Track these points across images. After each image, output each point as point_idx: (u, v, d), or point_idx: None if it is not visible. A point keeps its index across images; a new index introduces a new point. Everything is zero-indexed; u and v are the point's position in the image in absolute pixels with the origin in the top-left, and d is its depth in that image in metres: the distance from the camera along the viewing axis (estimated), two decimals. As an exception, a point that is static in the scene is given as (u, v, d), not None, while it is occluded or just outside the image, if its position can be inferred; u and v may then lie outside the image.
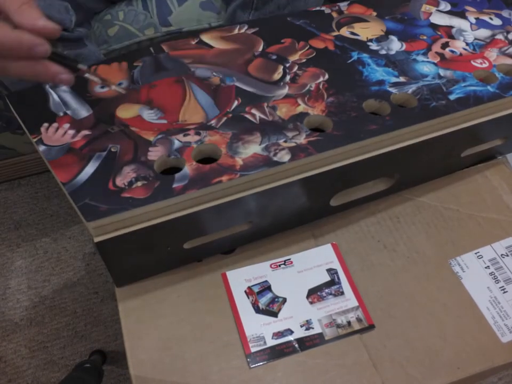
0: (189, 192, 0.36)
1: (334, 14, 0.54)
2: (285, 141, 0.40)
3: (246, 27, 0.51)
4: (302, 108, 0.43)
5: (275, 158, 0.38)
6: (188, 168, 0.37)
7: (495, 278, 0.46)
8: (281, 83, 0.45)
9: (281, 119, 0.42)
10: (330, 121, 0.41)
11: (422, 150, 0.45)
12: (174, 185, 0.36)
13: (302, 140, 0.40)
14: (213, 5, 0.67)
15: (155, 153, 0.38)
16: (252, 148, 0.39)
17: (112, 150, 0.39)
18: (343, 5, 0.55)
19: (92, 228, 0.35)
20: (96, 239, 0.36)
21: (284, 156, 0.38)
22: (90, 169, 0.37)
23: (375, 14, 0.54)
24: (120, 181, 0.36)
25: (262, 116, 0.42)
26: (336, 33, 0.51)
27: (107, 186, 0.36)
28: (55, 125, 0.40)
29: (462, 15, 0.55)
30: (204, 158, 0.40)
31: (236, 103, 0.43)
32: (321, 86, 0.45)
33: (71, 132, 0.40)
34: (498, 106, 0.45)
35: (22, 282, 0.94)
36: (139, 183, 0.36)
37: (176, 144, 0.39)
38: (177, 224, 0.38)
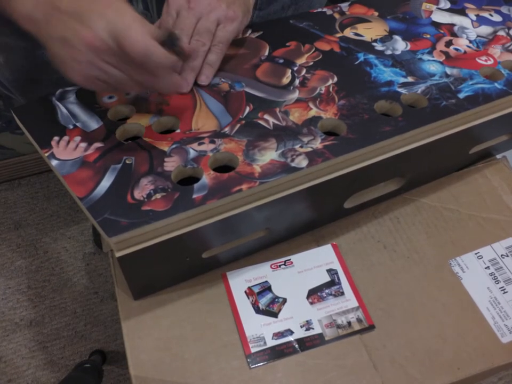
0: (210, 202, 0.36)
1: (336, 15, 0.54)
2: (301, 146, 0.39)
3: (249, 31, 0.51)
4: (314, 111, 0.43)
5: (293, 164, 0.38)
6: (206, 178, 0.37)
7: (495, 279, 0.46)
8: (291, 87, 0.45)
9: (295, 124, 0.41)
10: (344, 125, 0.41)
11: (433, 149, 0.45)
12: (194, 196, 0.36)
13: (317, 144, 0.40)
14: (214, 4, 0.66)
15: (171, 164, 0.38)
16: (269, 155, 0.39)
17: (127, 162, 0.38)
18: (344, 6, 0.55)
19: (114, 243, 0.34)
20: (118, 254, 0.35)
21: (302, 162, 0.38)
22: (106, 182, 0.37)
23: (376, 14, 0.54)
24: (139, 193, 0.36)
25: (275, 122, 0.42)
26: (340, 34, 0.51)
27: (125, 200, 0.35)
28: (65, 138, 0.40)
29: (462, 12, 0.55)
30: (219, 166, 0.40)
31: (247, 109, 0.43)
32: (331, 89, 0.45)
33: (83, 144, 0.39)
34: (506, 103, 0.45)
35: (22, 282, 0.94)
36: (158, 195, 0.36)
37: (192, 153, 0.39)
38: (198, 234, 0.38)
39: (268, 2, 0.59)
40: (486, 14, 0.55)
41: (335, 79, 0.46)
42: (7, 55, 0.49)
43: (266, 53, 0.49)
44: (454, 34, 0.52)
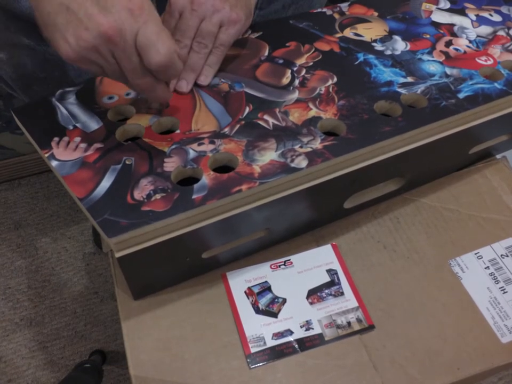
0: (209, 202, 0.36)
1: (336, 15, 0.54)
2: (301, 147, 0.39)
3: (249, 31, 0.51)
4: (314, 112, 0.43)
5: (292, 164, 0.38)
6: (206, 178, 0.37)
7: (495, 279, 0.46)
8: (291, 87, 0.45)
9: (295, 124, 0.41)
10: (343, 125, 0.41)
11: (433, 149, 0.45)
12: (194, 196, 0.36)
13: (317, 144, 0.40)
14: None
15: (171, 164, 0.38)
16: (268, 155, 0.39)
17: (127, 162, 0.38)
18: (344, 6, 0.55)
19: (114, 243, 0.34)
20: (118, 254, 0.35)
21: (301, 162, 0.38)
22: (106, 183, 0.37)
23: (376, 14, 0.54)
24: (138, 194, 0.36)
25: (275, 122, 0.42)
26: (340, 34, 0.51)
27: (125, 200, 0.35)
28: (65, 138, 0.40)
29: (462, 12, 0.55)
30: (218, 166, 0.40)
31: (247, 109, 0.43)
32: (331, 89, 0.45)
33: (83, 145, 0.39)
34: (506, 103, 0.45)
35: (22, 282, 0.94)
36: (158, 196, 0.36)
37: (191, 154, 0.39)
38: (198, 234, 0.38)
39: (268, 1, 0.59)
40: (485, 14, 0.55)
41: (335, 79, 0.46)
42: (10, 53, 0.49)
43: (266, 53, 0.49)
44: (454, 34, 0.52)
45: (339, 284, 0.45)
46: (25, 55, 0.49)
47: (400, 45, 0.50)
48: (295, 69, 0.47)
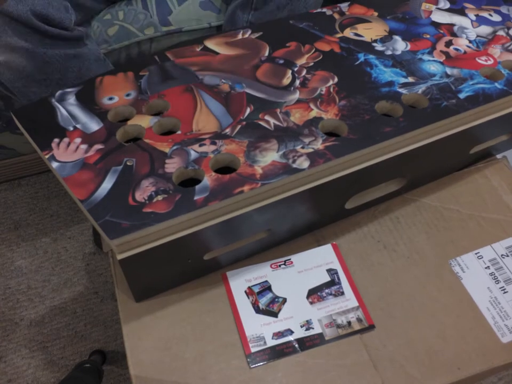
0: (211, 204, 0.35)
1: (336, 16, 0.54)
2: (302, 147, 0.39)
3: (249, 32, 0.51)
4: (315, 112, 0.42)
5: (294, 165, 0.38)
6: (208, 179, 0.37)
7: (495, 279, 0.46)
8: (292, 88, 0.45)
9: (296, 124, 0.41)
10: (345, 125, 0.41)
11: (434, 149, 0.45)
12: (196, 198, 0.36)
13: (319, 145, 0.40)
14: (212, 4, 0.67)
15: (172, 165, 0.38)
16: (270, 156, 0.39)
17: (128, 163, 0.38)
18: (343, 6, 0.55)
19: (115, 245, 0.34)
20: (120, 257, 0.35)
21: (303, 163, 0.38)
22: (107, 184, 0.36)
23: (376, 14, 0.54)
24: (140, 195, 0.36)
25: (276, 122, 0.42)
26: (340, 34, 0.51)
27: (127, 202, 0.35)
28: (66, 140, 0.39)
29: (461, 12, 0.55)
30: (220, 167, 0.40)
31: (248, 110, 0.43)
32: (331, 90, 0.44)
33: (84, 146, 0.39)
34: (507, 103, 0.45)
35: (22, 282, 0.94)
36: (159, 197, 0.36)
37: (193, 155, 0.39)
38: (200, 236, 0.38)
39: (263, 2, 0.59)
40: (485, 14, 0.55)
41: (336, 79, 0.46)
42: (8, 55, 0.49)
43: (267, 54, 0.49)
44: (454, 34, 0.52)
45: (339, 283, 0.45)
46: (23, 57, 0.49)
47: (400, 45, 0.50)
48: (295, 69, 0.47)
